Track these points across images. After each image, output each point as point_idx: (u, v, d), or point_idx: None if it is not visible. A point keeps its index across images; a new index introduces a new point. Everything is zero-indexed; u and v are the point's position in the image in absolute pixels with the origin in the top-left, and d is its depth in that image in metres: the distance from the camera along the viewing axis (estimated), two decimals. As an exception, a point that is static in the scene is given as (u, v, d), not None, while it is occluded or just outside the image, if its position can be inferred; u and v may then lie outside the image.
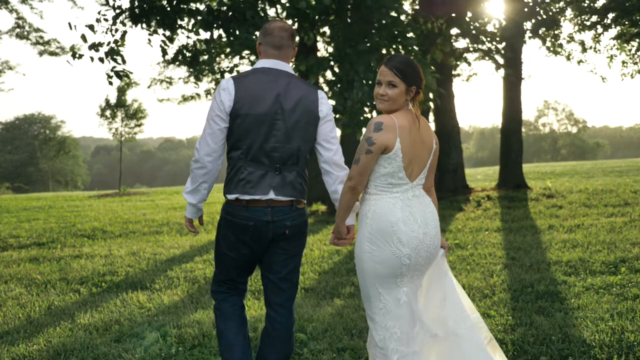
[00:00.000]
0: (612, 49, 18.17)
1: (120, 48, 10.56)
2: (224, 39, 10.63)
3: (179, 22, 10.13)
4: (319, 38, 11.28)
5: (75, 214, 15.79)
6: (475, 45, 9.59)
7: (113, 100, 27.65)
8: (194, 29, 9.93)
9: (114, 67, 10.71)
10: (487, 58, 11.33)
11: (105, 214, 15.37)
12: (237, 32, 8.80)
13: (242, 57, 15.40)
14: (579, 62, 18.57)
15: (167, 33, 10.46)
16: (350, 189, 3.20)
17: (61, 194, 27.63)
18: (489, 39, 9.97)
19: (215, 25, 9.15)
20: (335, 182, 3.42)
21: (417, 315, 3.23)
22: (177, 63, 16.61)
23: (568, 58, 18.56)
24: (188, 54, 10.37)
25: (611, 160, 36.96)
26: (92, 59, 10.89)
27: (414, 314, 3.21)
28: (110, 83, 10.87)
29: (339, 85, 8.72)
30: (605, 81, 18.46)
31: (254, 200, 3.31)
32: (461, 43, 12.35)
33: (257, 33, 9.15)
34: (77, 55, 10.82)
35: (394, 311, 3.19)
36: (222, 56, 13.76)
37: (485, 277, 6.63)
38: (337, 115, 8.35)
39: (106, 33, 10.63)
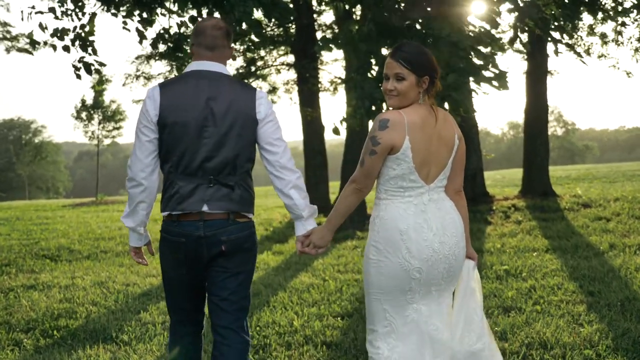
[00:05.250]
0: (638, 40, 16.71)
1: (90, 36, 8.80)
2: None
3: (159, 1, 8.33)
4: (317, 17, 9.52)
5: (42, 227, 14.00)
6: (526, 23, 7.89)
7: (90, 101, 25.63)
8: (179, 9, 8.15)
9: (83, 57, 9.03)
10: (548, 39, 9.64)
11: (77, 227, 13.57)
12: (233, 9, 6.95)
13: (236, 41, 13.53)
14: (600, 56, 17.16)
15: (144, 15, 8.70)
16: (355, 191, 2.93)
17: (33, 203, 25.66)
18: (553, 12, 8.26)
19: (204, 1, 7.33)
20: (287, 186, 3.11)
21: (429, 338, 2.85)
22: (157, 56, 14.84)
23: (587, 52, 17.13)
24: (169, 39, 8.50)
25: (625, 163, 35.64)
26: (54, 47, 9.16)
27: (423, 336, 2.86)
28: (79, 76, 9.22)
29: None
30: (630, 76, 16.95)
31: (185, 214, 3.04)
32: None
33: (257, 8, 7.38)
34: (35, 44, 9.13)
35: (400, 330, 2.89)
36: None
37: (571, 325, 4.90)
38: (374, 108, 6.52)
39: (71, 18, 8.84)
